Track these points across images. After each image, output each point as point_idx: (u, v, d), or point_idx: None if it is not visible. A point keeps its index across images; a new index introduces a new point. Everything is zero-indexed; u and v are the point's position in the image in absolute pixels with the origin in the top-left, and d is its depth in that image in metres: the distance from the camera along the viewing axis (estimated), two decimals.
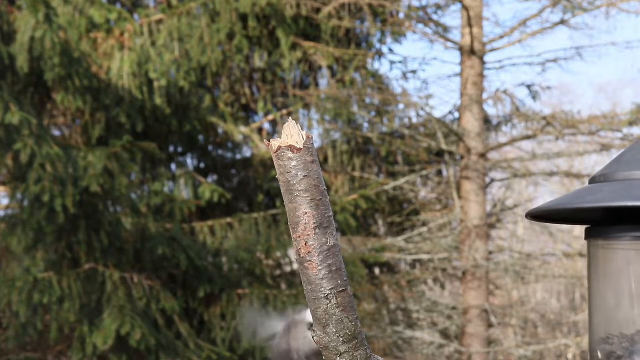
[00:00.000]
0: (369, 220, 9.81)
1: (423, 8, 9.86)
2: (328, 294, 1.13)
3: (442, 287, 9.99)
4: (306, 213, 1.11)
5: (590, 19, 14.78)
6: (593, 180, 1.26)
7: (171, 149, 9.28)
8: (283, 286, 8.93)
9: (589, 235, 1.29)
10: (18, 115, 6.32)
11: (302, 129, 1.13)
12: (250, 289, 8.00)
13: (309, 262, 1.13)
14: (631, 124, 8.62)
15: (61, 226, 6.84)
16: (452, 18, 20.66)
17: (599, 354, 1.25)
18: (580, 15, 9.02)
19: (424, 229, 8.98)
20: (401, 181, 9.01)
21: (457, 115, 9.41)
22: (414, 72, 9.88)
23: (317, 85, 9.59)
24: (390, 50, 10.07)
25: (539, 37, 9.28)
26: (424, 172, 9.24)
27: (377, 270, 9.90)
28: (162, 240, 7.47)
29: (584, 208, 1.20)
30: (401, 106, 9.66)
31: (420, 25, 9.75)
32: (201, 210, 8.80)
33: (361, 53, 9.36)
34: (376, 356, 1.22)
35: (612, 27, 23.01)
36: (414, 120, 9.79)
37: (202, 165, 9.61)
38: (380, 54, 10.00)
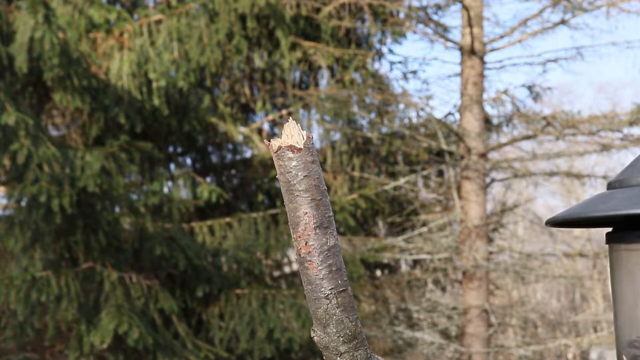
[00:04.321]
0: (369, 220, 9.80)
1: (423, 8, 9.84)
2: (328, 294, 1.12)
3: (444, 288, 9.98)
4: (306, 213, 1.10)
5: (591, 19, 14.82)
6: (610, 185, 1.26)
7: (170, 149, 9.27)
8: (282, 286, 8.93)
9: (610, 239, 1.28)
10: (14, 116, 6.29)
11: (302, 129, 1.12)
12: (249, 289, 7.99)
13: (309, 262, 1.12)
14: (631, 124, 8.61)
15: (59, 226, 6.82)
16: (452, 18, 20.69)
17: (625, 358, 1.25)
18: (580, 15, 9.01)
19: (424, 229, 8.97)
20: (401, 181, 9.00)
21: (457, 115, 9.40)
22: (414, 72, 9.88)
23: (317, 85, 9.57)
24: (390, 51, 10.08)
25: (539, 37, 9.27)
26: (424, 172, 9.23)
27: (377, 271, 9.90)
28: (160, 240, 7.46)
29: (602, 216, 1.19)
30: (401, 106, 9.65)
31: (421, 25, 9.73)
32: (201, 210, 8.79)
33: (361, 53, 9.35)
34: (376, 356, 1.21)
35: (613, 27, 23.00)
36: (414, 120, 9.79)
37: (201, 165, 9.60)
38: (380, 54, 9.99)
